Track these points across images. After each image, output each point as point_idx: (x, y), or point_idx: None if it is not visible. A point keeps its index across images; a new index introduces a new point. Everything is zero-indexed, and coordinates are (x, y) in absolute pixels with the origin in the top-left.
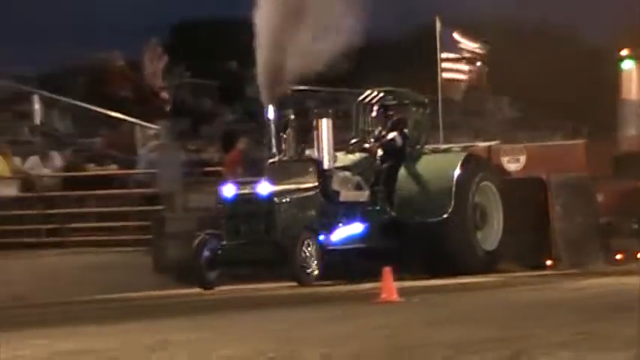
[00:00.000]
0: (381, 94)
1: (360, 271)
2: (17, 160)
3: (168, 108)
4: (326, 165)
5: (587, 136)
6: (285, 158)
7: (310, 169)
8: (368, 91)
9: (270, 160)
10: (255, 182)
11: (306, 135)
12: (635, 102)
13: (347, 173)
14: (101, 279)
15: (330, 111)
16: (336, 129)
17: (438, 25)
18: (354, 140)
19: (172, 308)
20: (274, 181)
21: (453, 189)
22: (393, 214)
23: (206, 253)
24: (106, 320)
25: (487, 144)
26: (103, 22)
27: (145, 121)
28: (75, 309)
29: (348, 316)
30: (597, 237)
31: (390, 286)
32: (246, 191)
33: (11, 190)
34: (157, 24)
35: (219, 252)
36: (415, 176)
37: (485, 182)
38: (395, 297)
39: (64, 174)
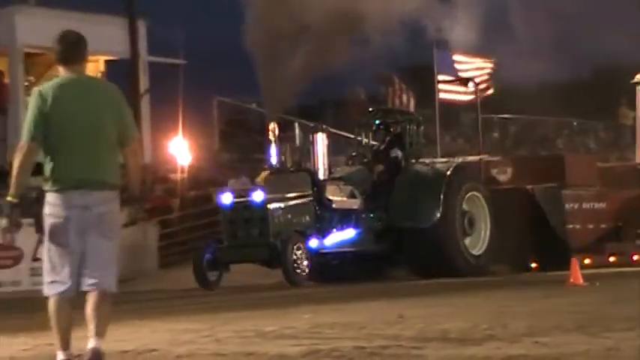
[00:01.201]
0: (381, 113)
1: (354, 273)
2: None
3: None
4: (320, 175)
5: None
6: (283, 169)
7: (306, 179)
8: (370, 109)
9: (270, 171)
10: (251, 190)
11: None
12: None
13: (340, 183)
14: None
15: (325, 126)
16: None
17: (435, 49)
18: (354, 153)
19: (406, 291)
20: (273, 189)
21: (442, 197)
22: (386, 220)
23: (207, 255)
24: (354, 299)
25: (477, 158)
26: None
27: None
28: (337, 289)
29: (545, 297)
30: (566, 241)
31: (576, 272)
32: (242, 199)
33: None
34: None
35: (218, 254)
36: (408, 185)
37: (473, 192)
38: (581, 281)
39: None
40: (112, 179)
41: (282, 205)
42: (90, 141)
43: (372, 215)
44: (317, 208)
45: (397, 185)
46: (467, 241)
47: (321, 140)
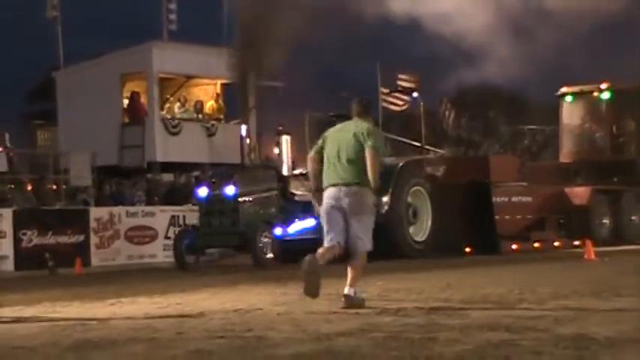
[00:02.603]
0: (337, 116)
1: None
2: None
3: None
4: (285, 172)
5: None
6: (252, 166)
7: (272, 176)
8: (330, 113)
9: (241, 168)
10: (224, 185)
11: None
12: (571, 126)
13: (302, 179)
14: None
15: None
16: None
17: (378, 66)
18: None
19: (448, 265)
20: (243, 184)
21: (390, 191)
22: None
23: (186, 241)
24: (414, 270)
25: (420, 157)
26: None
27: (436, 147)
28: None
29: (564, 269)
30: (495, 229)
31: (590, 250)
32: (216, 192)
33: None
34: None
35: (196, 240)
36: None
37: (417, 187)
38: (593, 257)
39: None
40: (355, 180)
41: (251, 198)
42: (342, 157)
43: None
44: (281, 200)
45: None
46: (411, 229)
47: (285, 141)
